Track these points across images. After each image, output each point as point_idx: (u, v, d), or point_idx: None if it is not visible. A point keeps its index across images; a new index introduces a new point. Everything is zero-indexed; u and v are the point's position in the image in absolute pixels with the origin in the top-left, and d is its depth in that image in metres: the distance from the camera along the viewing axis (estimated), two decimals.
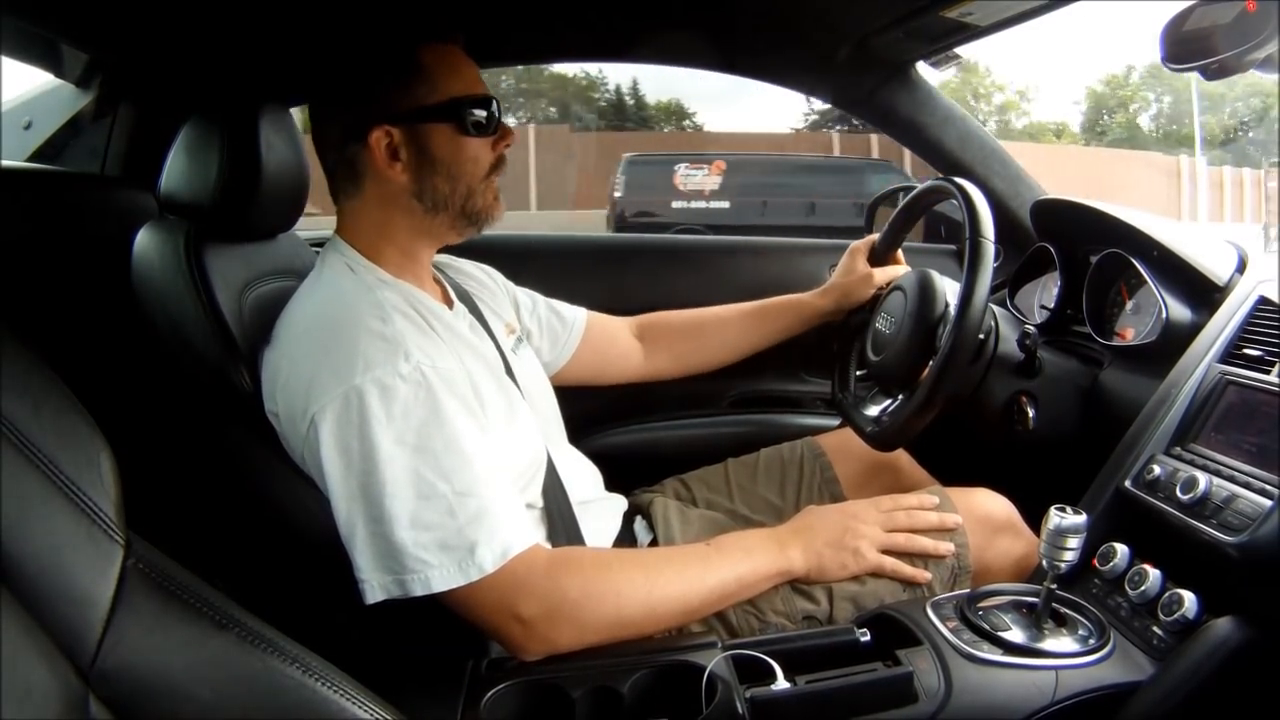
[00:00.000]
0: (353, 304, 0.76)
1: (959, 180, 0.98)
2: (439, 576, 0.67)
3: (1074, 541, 0.67)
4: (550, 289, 1.13)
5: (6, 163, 1.16)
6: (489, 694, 0.65)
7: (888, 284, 1.12)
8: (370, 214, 0.83)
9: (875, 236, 1.18)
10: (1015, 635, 0.71)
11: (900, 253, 1.19)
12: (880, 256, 1.17)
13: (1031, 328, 1.02)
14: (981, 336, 0.96)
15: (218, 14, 0.97)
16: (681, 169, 7.88)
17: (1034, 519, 0.79)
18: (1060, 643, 0.71)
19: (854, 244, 1.19)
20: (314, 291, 0.81)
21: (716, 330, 1.17)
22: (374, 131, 0.79)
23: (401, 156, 0.80)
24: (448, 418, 0.71)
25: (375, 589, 0.68)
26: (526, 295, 1.09)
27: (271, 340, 0.79)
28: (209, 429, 0.85)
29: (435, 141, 0.80)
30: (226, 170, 0.84)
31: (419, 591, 0.67)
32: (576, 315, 1.11)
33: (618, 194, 7.85)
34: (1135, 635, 0.73)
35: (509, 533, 0.69)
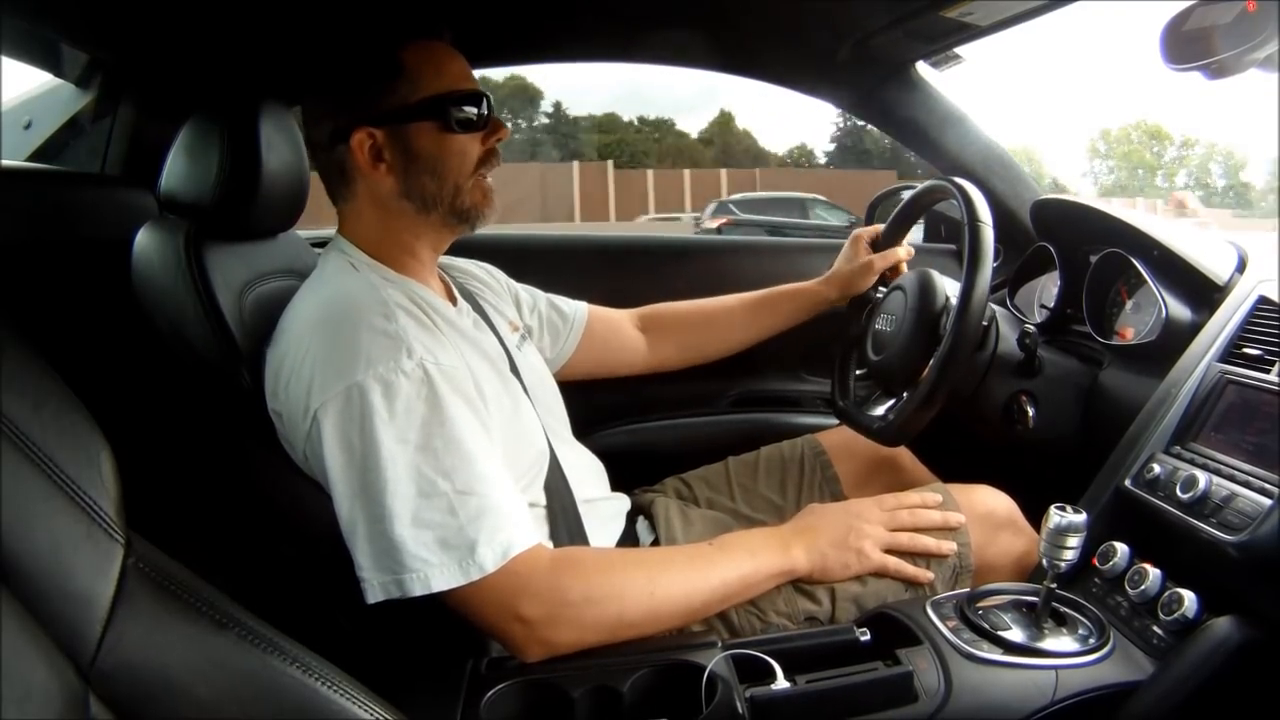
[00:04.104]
0: (356, 301, 0.76)
1: (956, 179, 0.98)
2: (439, 575, 0.67)
3: (1074, 540, 0.67)
4: (551, 288, 1.13)
5: (6, 163, 1.16)
6: (489, 694, 0.65)
7: (891, 274, 1.13)
8: (366, 214, 0.83)
9: (880, 226, 1.17)
10: (1015, 635, 0.71)
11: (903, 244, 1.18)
12: (882, 247, 1.16)
13: (1031, 327, 1.02)
14: (985, 324, 0.96)
15: (217, 14, 0.97)
16: None
17: (1034, 518, 0.79)
18: (1060, 642, 0.71)
19: (857, 231, 1.20)
20: (317, 289, 0.81)
21: (722, 321, 1.18)
22: (356, 133, 0.79)
23: (385, 157, 0.80)
24: (450, 415, 0.71)
25: (375, 589, 0.68)
26: (527, 292, 1.09)
27: (274, 338, 0.79)
28: (209, 428, 0.85)
29: (419, 140, 0.80)
30: (227, 170, 0.84)
31: (418, 591, 0.67)
32: (577, 310, 1.12)
33: None
34: (1135, 635, 0.73)
35: (511, 532, 0.69)
